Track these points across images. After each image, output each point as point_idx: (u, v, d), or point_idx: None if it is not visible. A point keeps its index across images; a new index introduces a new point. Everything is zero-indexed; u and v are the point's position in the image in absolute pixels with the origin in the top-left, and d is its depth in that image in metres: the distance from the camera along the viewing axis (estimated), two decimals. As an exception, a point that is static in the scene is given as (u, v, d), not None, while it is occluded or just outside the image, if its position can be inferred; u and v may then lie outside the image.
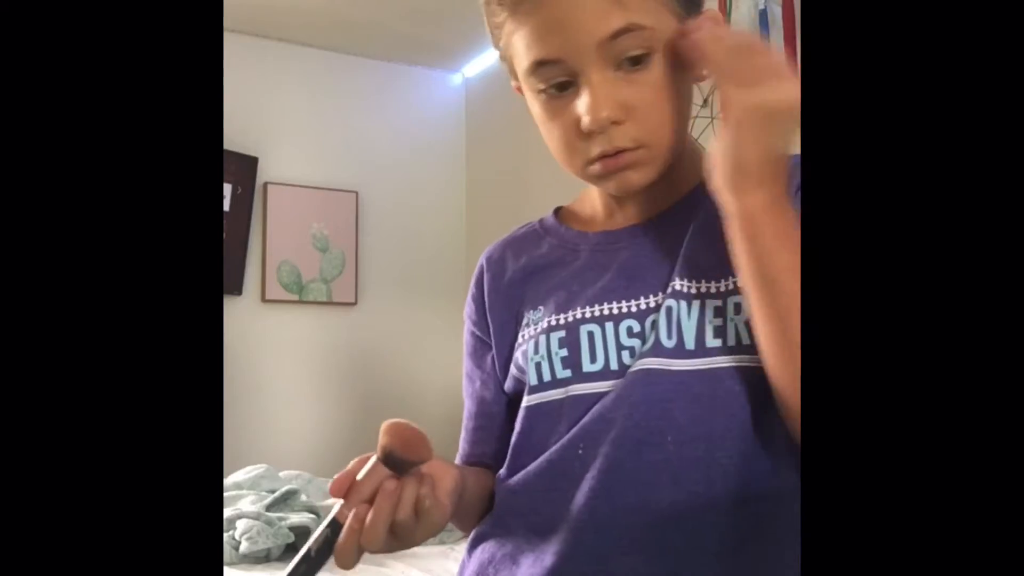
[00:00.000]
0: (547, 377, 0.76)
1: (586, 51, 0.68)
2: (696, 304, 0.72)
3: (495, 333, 0.84)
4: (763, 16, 2.30)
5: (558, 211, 0.88)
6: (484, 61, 3.62)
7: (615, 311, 0.74)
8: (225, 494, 2.15)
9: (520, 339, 0.80)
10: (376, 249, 3.53)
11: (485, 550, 0.78)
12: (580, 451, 0.72)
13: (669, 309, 0.72)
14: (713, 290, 0.72)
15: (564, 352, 0.75)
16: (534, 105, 0.76)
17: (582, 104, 0.70)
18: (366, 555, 1.89)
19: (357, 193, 3.48)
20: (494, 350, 0.84)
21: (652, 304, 0.74)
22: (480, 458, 0.85)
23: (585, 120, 0.70)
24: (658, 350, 0.71)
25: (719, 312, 0.71)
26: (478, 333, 0.86)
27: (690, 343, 0.71)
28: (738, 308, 0.70)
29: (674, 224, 0.77)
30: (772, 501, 0.68)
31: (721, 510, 0.68)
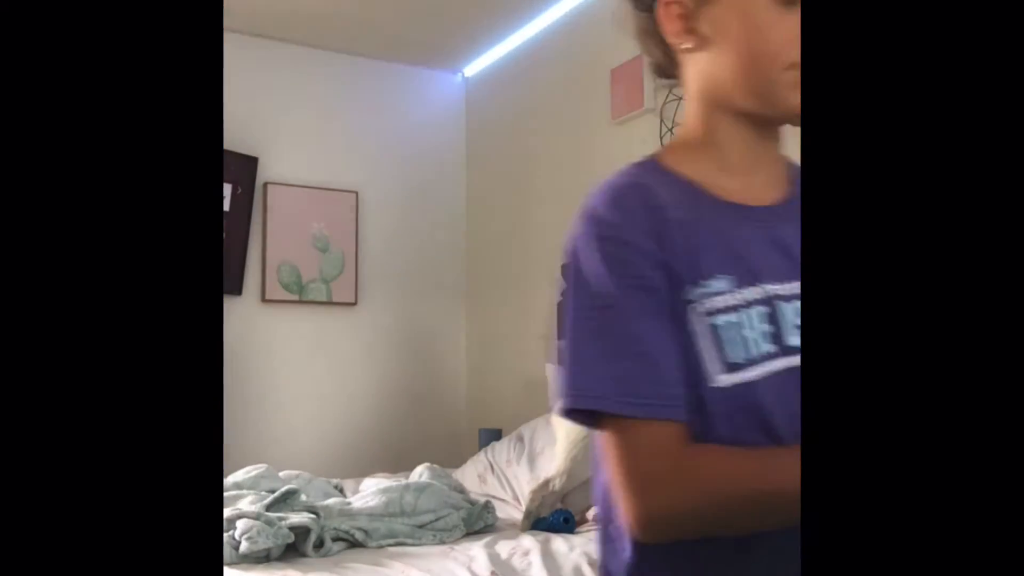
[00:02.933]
0: (754, 353, 0.73)
1: None
2: None
3: (673, 281, 0.73)
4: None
5: (662, 160, 0.81)
6: (484, 61, 3.63)
7: (792, 291, 0.75)
8: (225, 494, 2.15)
9: (703, 306, 0.73)
10: (376, 249, 3.53)
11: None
12: None
13: None
14: None
15: (769, 328, 0.74)
16: (751, 10, 0.75)
17: None
18: (365, 554, 1.91)
19: (357, 193, 3.48)
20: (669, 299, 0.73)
21: None
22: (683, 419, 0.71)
23: None
24: None
25: None
26: (668, 264, 0.73)
27: None
28: None
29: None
30: None
31: None
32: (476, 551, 1.91)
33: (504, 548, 1.94)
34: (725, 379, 0.72)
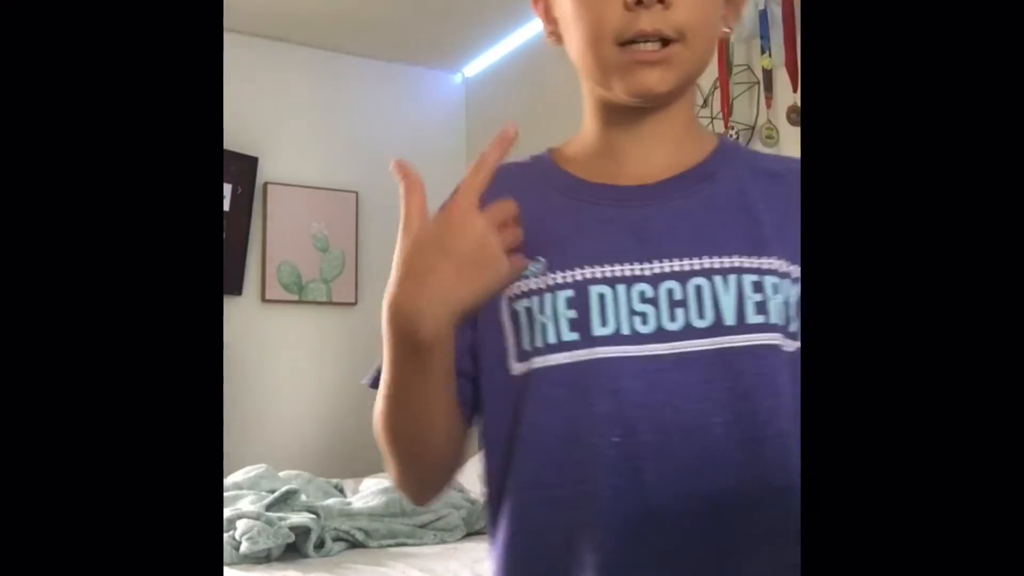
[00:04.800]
0: (552, 340, 0.70)
1: None
2: (733, 279, 0.69)
3: None
4: (763, 16, 2.30)
5: (552, 152, 0.81)
6: (484, 61, 3.62)
7: (626, 273, 0.70)
8: (225, 494, 2.15)
9: (514, 290, 0.72)
10: (376, 249, 3.53)
11: (520, 537, 0.73)
12: (616, 439, 0.68)
13: (699, 288, 0.69)
14: (748, 265, 0.70)
15: (572, 314, 0.70)
16: None
17: None
18: (366, 555, 1.90)
19: (357, 193, 3.48)
20: None
21: (667, 270, 0.70)
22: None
23: None
24: (689, 332, 0.69)
25: (757, 288, 0.69)
26: None
27: (730, 319, 0.69)
28: (776, 288, 0.69)
29: (683, 192, 0.74)
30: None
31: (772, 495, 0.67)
32: (477, 551, 1.91)
33: (504, 548, 1.93)
34: (518, 367, 0.72)
